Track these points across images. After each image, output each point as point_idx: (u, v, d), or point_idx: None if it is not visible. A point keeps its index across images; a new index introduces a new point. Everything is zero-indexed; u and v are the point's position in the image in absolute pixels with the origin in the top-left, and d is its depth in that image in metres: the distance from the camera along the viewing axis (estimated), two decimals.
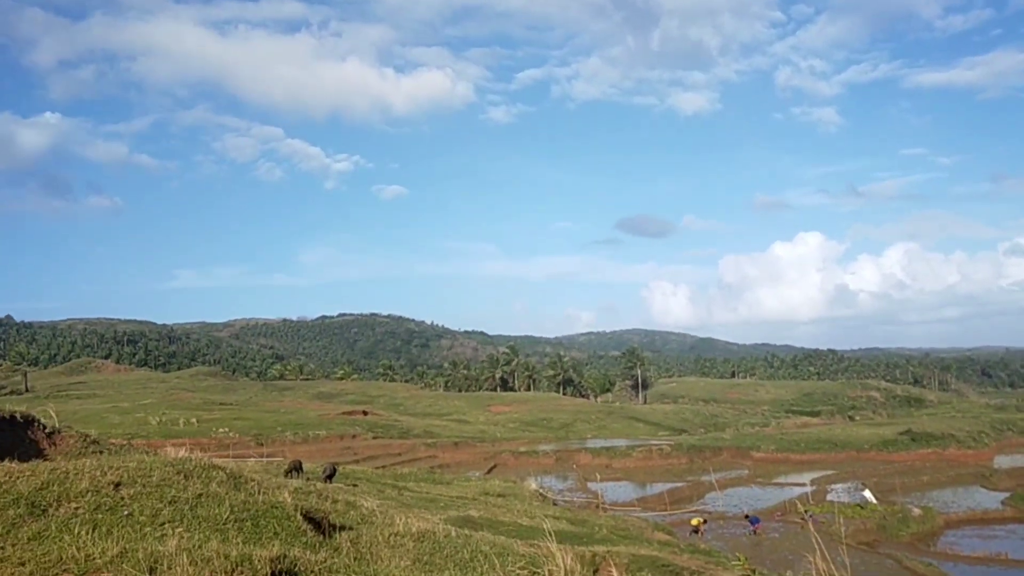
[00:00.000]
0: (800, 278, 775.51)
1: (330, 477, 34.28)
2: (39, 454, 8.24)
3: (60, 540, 5.02)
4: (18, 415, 8.50)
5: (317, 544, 6.06)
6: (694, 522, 40.45)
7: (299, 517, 6.33)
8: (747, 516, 42.32)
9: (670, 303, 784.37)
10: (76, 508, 5.55)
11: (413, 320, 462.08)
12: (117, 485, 6.08)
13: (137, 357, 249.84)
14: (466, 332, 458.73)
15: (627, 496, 52.34)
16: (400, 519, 8.13)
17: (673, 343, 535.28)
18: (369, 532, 7.49)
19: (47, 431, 8.75)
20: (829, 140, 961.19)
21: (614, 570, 21.82)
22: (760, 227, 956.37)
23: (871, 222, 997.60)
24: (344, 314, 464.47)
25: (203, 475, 6.99)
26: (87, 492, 5.84)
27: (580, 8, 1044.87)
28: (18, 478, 5.84)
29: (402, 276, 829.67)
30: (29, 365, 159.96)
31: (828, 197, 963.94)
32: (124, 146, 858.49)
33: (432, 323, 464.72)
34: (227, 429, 78.67)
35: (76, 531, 5.17)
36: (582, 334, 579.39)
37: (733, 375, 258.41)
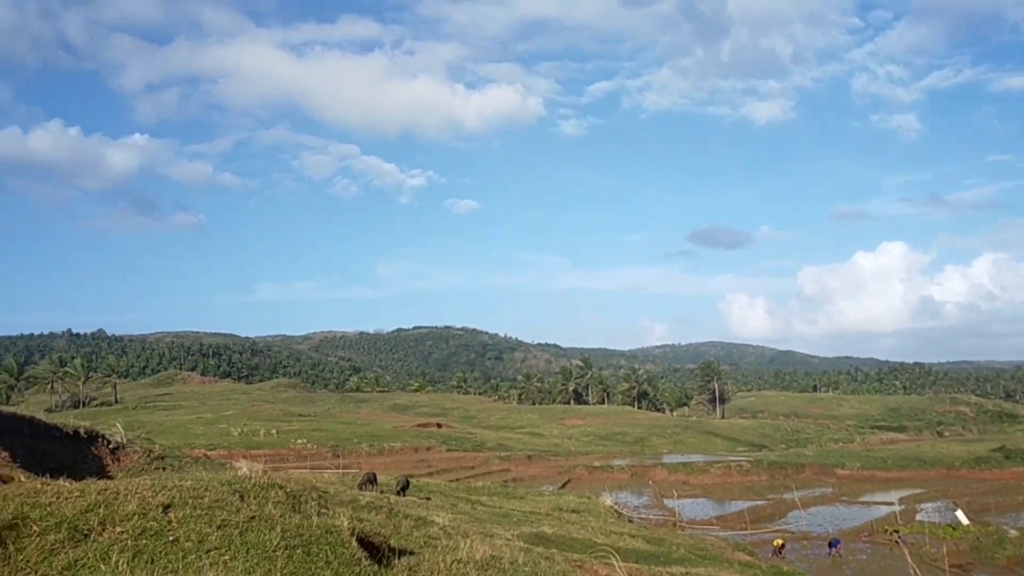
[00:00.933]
0: (883, 289, 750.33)
1: (403, 490, 34.19)
2: (101, 471, 8.12)
3: (96, 570, 4.79)
4: (82, 430, 8.42)
5: (372, 575, 5.70)
6: (776, 542, 39.02)
7: (354, 544, 5.99)
8: (829, 543, 40.63)
9: (747, 315, 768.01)
10: (120, 533, 5.33)
11: (487, 333, 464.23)
12: (167, 507, 5.85)
13: (221, 369, 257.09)
14: (539, 344, 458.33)
15: (705, 514, 50.91)
16: (464, 544, 7.73)
17: (751, 356, 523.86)
18: (431, 558, 7.11)
19: (111, 447, 8.65)
20: (910, 148, 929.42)
21: None
22: (839, 237, 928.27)
23: (957, 231, 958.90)
24: (419, 327, 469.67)
25: (260, 495, 6.73)
26: (134, 515, 5.62)
27: (649, 21, 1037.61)
28: (66, 499, 5.67)
29: (475, 289, 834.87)
30: (119, 377, 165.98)
31: (911, 206, 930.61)
32: (208, 165, 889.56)
33: (505, 336, 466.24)
34: (305, 440, 79.88)
35: (115, 560, 4.94)
36: (656, 347, 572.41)
37: (815, 389, 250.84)
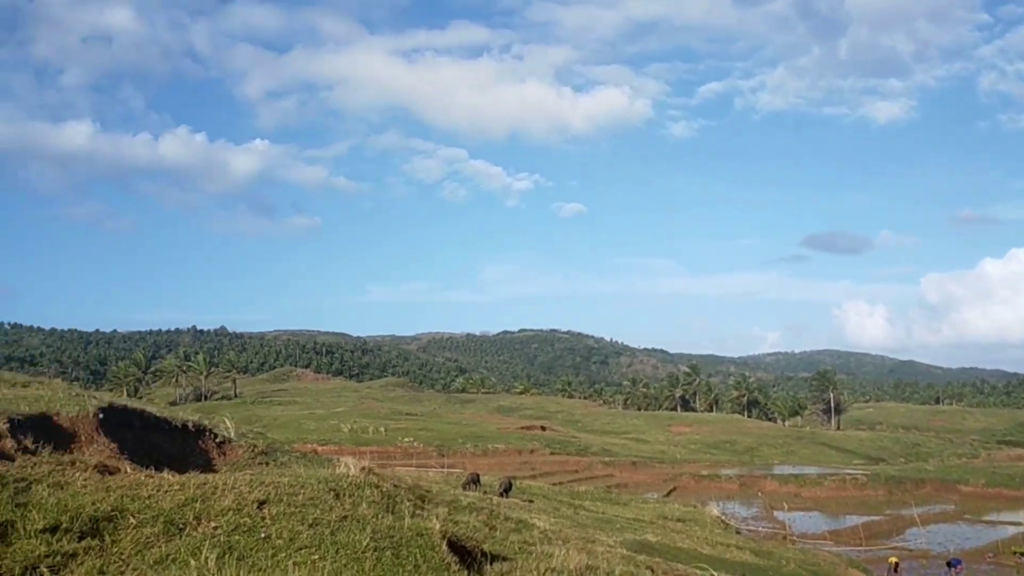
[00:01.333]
0: (1013, 297, 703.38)
1: (506, 491, 34.20)
2: (207, 464, 8.32)
3: (186, 567, 4.84)
4: (190, 424, 8.66)
5: None
6: (891, 560, 37.03)
7: (444, 548, 5.88)
8: (948, 563, 38.32)
9: (865, 323, 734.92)
10: (214, 528, 5.39)
11: (592, 337, 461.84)
12: (262, 503, 5.90)
13: (333, 367, 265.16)
14: (645, 350, 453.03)
15: (817, 528, 48.95)
16: (559, 552, 7.53)
17: (869, 366, 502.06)
18: (523, 565, 6.93)
19: (218, 441, 8.87)
20: None
21: None
22: (965, 243, 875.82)
23: None
24: (524, 330, 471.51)
25: (355, 494, 6.72)
26: (229, 511, 5.69)
27: (763, 20, 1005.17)
28: (165, 492, 5.79)
29: (581, 292, 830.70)
30: (239, 372, 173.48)
31: None
32: (324, 169, 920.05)
33: (611, 340, 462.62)
34: (412, 439, 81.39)
35: (205, 556, 4.97)
36: (768, 354, 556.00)
37: (937, 401, 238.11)
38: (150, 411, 8.26)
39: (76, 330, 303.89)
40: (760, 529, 45.84)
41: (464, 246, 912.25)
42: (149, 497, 5.65)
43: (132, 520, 5.19)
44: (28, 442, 6.44)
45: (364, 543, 5.52)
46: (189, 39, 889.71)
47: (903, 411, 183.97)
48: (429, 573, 5.42)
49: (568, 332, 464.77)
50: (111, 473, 6.30)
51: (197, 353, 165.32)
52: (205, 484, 6.05)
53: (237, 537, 5.30)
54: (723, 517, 43.70)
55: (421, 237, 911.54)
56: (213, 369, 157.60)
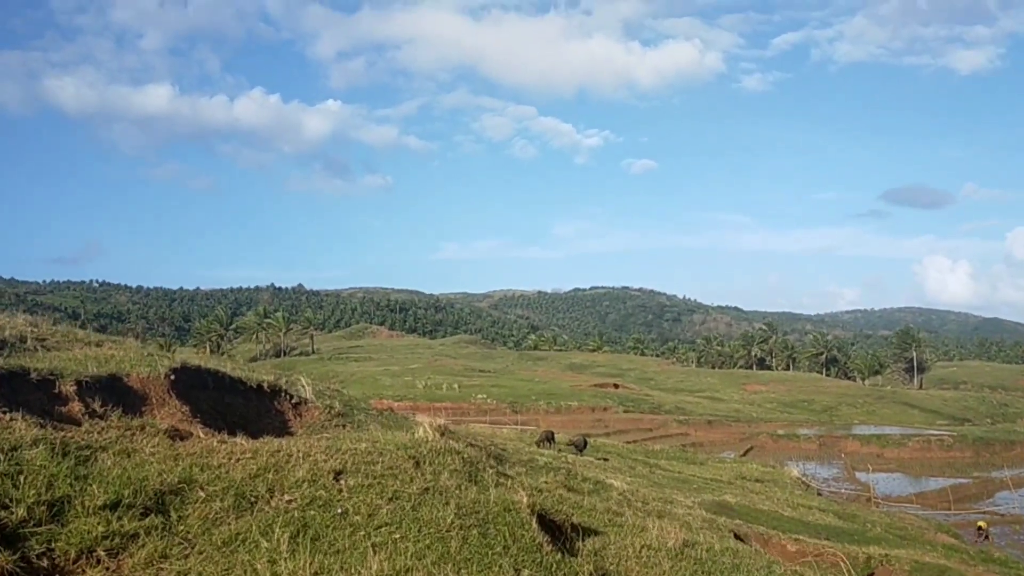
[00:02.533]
0: None
1: (581, 449, 33.96)
2: (282, 426, 8.03)
3: (256, 548, 4.43)
4: (266, 384, 8.37)
5: (553, 566, 5.08)
6: (981, 524, 35.50)
7: (535, 526, 5.40)
8: None
9: (947, 280, 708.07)
10: (288, 502, 5.00)
11: (664, 294, 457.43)
12: (338, 474, 5.50)
13: (407, 324, 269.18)
14: (719, 307, 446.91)
15: (902, 490, 47.38)
16: (654, 526, 7.00)
17: (952, 323, 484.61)
18: (617, 542, 6.42)
19: (293, 402, 8.56)
20: None
21: None
22: None
23: None
24: (596, 287, 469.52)
25: (435, 462, 6.28)
26: (303, 482, 5.29)
27: None
28: (237, 461, 5.43)
29: (653, 249, 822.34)
30: (316, 329, 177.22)
31: None
32: (394, 129, 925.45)
33: (684, 297, 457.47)
34: (485, 396, 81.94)
35: (277, 535, 4.57)
36: (846, 312, 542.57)
37: None
38: (224, 371, 7.98)
39: (161, 288, 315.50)
40: (842, 491, 44.62)
41: (534, 203, 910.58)
42: (219, 467, 5.30)
43: (201, 493, 4.84)
44: (96, 405, 6.19)
45: (448, 520, 5.07)
46: (262, 1, 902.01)
47: (989, 370, 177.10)
48: (520, 555, 4.96)
49: (640, 289, 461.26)
50: (182, 438, 5.99)
51: (276, 310, 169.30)
52: (279, 452, 5.68)
53: (312, 513, 4.89)
54: (803, 478, 42.65)
55: (491, 195, 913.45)
56: (292, 326, 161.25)
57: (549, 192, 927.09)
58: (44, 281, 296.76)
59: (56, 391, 6.13)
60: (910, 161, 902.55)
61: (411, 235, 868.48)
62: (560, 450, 32.65)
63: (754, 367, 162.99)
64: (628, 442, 54.22)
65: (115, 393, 6.57)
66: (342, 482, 5.39)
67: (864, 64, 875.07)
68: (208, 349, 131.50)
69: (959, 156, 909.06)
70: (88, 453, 5.03)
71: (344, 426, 8.34)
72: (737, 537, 19.11)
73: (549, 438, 35.29)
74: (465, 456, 6.82)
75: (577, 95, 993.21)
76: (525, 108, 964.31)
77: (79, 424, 5.75)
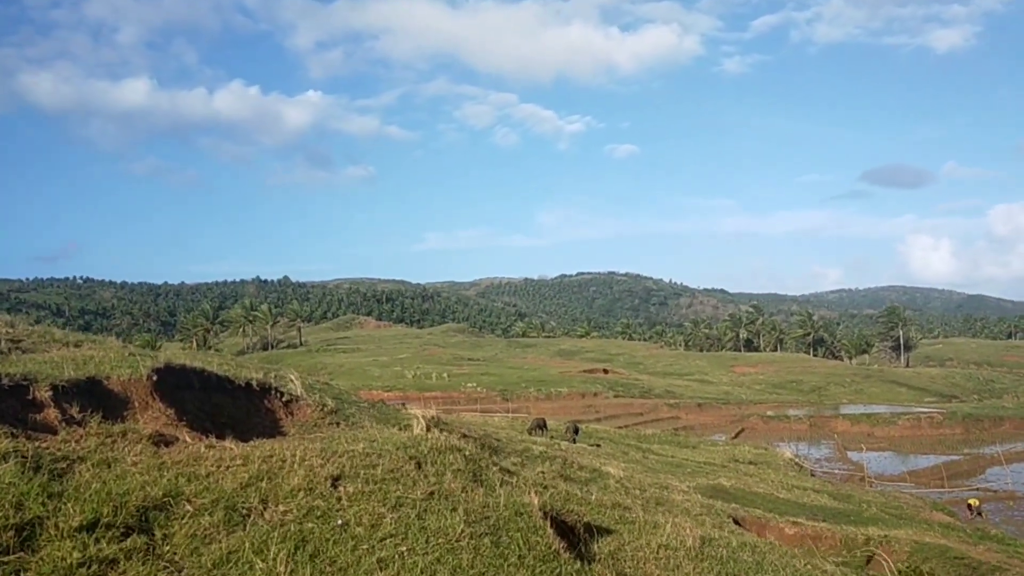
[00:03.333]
0: None
1: (574, 436, 33.77)
2: (274, 425, 7.65)
3: (250, 569, 3.99)
4: (255, 383, 7.98)
5: (573, 575, 4.73)
6: (972, 502, 35.50)
7: (549, 531, 5.05)
8: None
9: (930, 258, 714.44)
10: (283, 514, 4.60)
11: (651, 278, 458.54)
12: (336, 480, 5.11)
13: (395, 314, 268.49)
14: (705, 290, 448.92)
15: (894, 469, 47.44)
16: (668, 523, 6.67)
17: (936, 301, 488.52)
18: (632, 542, 6.09)
19: (284, 399, 8.18)
20: None
21: (890, 560, 18.96)
22: None
23: None
24: (583, 273, 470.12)
25: (437, 462, 5.91)
26: (299, 491, 4.89)
27: None
28: (227, 469, 5.02)
29: (639, 234, 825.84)
30: (303, 321, 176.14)
31: None
32: (376, 119, 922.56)
33: (670, 281, 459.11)
34: (475, 384, 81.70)
35: (273, 553, 4.15)
36: (831, 292, 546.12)
37: (1010, 336, 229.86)
38: (210, 370, 7.58)
39: (146, 283, 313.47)
40: (835, 471, 44.63)
41: (518, 191, 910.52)
42: (208, 476, 4.88)
43: (188, 507, 4.43)
44: (74, 411, 5.74)
45: (457, 528, 4.69)
46: None
47: (974, 347, 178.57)
48: (537, 565, 4.60)
49: (626, 274, 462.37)
50: (167, 444, 5.61)
51: (262, 303, 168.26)
52: (271, 457, 5.29)
53: (310, 525, 4.48)
54: (796, 459, 42.64)
55: (475, 183, 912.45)
56: (279, 318, 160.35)
57: (532, 179, 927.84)
58: (27, 279, 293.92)
59: (30, 397, 5.67)
60: (890, 141, 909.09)
61: (396, 225, 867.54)
62: (552, 437, 32.43)
63: (742, 349, 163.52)
64: (619, 427, 54.13)
65: (94, 397, 6.14)
66: (341, 489, 5.01)
67: (843, 45, 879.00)
68: (195, 344, 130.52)
69: (939, 135, 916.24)
70: (64, 466, 4.58)
71: (338, 424, 7.96)
72: (735, 522, 18.95)
73: (541, 425, 35.07)
74: (467, 454, 6.47)
75: (557, 81, 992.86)
76: (506, 95, 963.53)
77: (55, 432, 5.32)
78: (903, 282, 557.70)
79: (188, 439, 5.85)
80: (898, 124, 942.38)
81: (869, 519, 24.29)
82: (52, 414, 5.54)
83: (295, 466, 5.16)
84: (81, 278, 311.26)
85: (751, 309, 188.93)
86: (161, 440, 5.61)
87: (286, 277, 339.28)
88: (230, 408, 7.54)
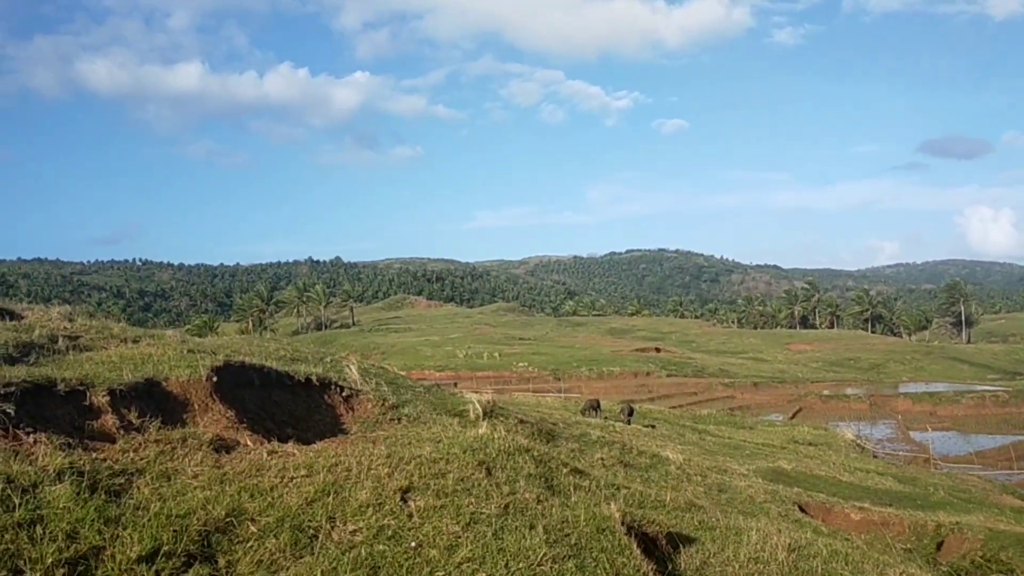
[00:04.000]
0: None
1: (629, 417, 33.28)
2: (334, 422, 7.42)
3: None
4: (315, 378, 7.75)
5: None
6: None
7: (635, 550, 4.69)
8: None
9: (990, 230, 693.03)
10: (352, 534, 4.28)
11: (702, 255, 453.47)
12: (405, 492, 4.80)
13: (445, 293, 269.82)
14: (758, 266, 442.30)
15: (959, 449, 46.01)
16: (755, 531, 6.26)
17: (997, 274, 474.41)
18: (717, 554, 5.70)
19: (344, 394, 7.94)
20: None
21: (962, 547, 18.20)
22: None
23: None
24: (632, 250, 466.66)
25: (508, 467, 5.58)
26: (367, 507, 4.58)
27: None
28: (291, 481, 4.74)
29: (689, 210, 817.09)
30: (355, 301, 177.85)
31: None
32: (422, 99, 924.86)
33: (722, 257, 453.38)
34: (526, 364, 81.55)
35: None
36: (888, 266, 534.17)
37: None
38: (270, 366, 7.38)
39: (203, 264, 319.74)
40: (899, 452, 43.47)
41: (566, 168, 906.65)
42: (272, 490, 4.60)
43: (252, 528, 4.14)
44: (133, 416, 5.54)
45: (538, 550, 4.33)
46: None
47: None
48: None
49: (676, 251, 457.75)
50: (228, 448, 5.37)
51: (315, 284, 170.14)
52: (336, 466, 5.00)
53: (381, 547, 4.15)
54: (858, 440, 41.61)
55: (522, 161, 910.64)
56: (331, 299, 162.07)
57: (580, 156, 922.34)
58: (88, 261, 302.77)
59: (87, 403, 5.51)
60: (948, 111, 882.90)
61: (444, 204, 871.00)
62: (606, 418, 32.04)
63: (797, 326, 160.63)
64: (673, 407, 53.52)
65: (153, 400, 5.94)
66: (411, 503, 4.70)
67: (898, 13, 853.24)
68: (250, 324, 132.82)
69: (997, 104, 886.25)
70: (123, 481, 4.33)
71: (399, 419, 7.69)
72: (800, 508, 18.42)
73: (595, 406, 34.67)
74: (536, 454, 6.14)
75: (604, 57, 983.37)
76: (552, 72, 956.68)
77: (113, 440, 5.12)
78: (962, 255, 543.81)
79: (249, 442, 5.61)
80: (956, 94, 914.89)
81: (937, 503, 23.46)
82: (110, 420, 5.34)
83: (362, 477, 4.86)
84: (140, 260, 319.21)
85: (806, 285, 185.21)
86: (222, 445, 5.39)
87: (338, 258, 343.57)
88: (290, 405, 7.31)
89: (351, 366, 10.04)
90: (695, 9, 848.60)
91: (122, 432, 5.21)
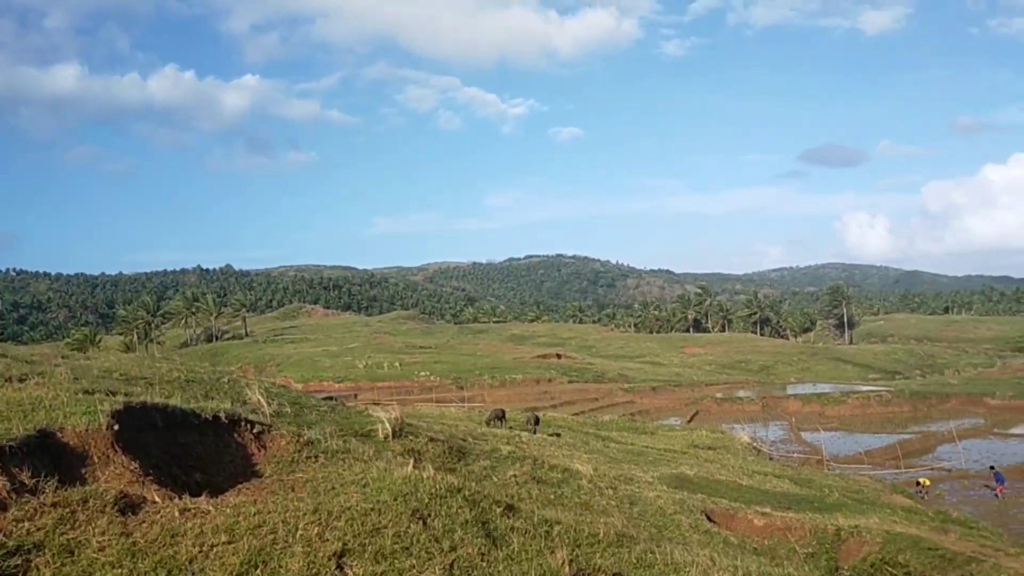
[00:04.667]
0: (1017, 202, 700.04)
1: (535, 426, 33.24)
2: (247, 463, 6.91)
3: None
4: (223, 415, 7.19)
5: None
6: (924, 481, 35.96)
7: None
8: (992, 467, 37.34)
9: (867, 235, 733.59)
10: None
11: (598, 260, 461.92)
12: (340, 556, 4.42)
13: (342, 301, 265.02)
14: (652, 271, 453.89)
15: (847, 449, 47.93)
16: (692, 564, 6.12)
17: (874, 277, 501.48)
18: None
19: (255, 431, 7.41)
20: None
21: (861, 551, 18.80)
22: (965, 150, 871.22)
23: None
24: (531, 256, 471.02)
25: (442, 513, 5.26)
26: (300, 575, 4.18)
27: None
28: (212, 550, 4.27)
29: (585, 216, 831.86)
30: (248, 311, 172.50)
31: None
32: (316, 103, 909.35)
33: (617, 263, 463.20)
34: (428, 373, 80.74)
35: None
36: (773, 270, 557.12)
37: (946, 311, 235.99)
38: (174, 405, 6.78)
39: (82, 274, 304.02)
40: (792, 453, 45.02)
41: (464, 175, 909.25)
42: (191, 562, 4.06)
43: None
44: (25, 476, 4.87)
45: None
46: None
47: (914, 322, 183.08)
48: None
49: (574, 256, 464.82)
50: (134, 508, 4.84)
51: (205, 294, 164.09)
52: (261, 528, 4.53)
53: None
54: (753, 443, 42.85)
55: (420, 168, 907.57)
56: (223, 309, 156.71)
57: (479, 163, 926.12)
58: None
59: None
60: (826, 121, 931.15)
61: (341, 211, 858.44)
62: (511, 428, 31.96)
63: (691, 330, 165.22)
64: (575, 414, 53.93)
65: (48, 455, 5.29)
66: (347, 571, 4.33)
67: (779, 27, 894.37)
68: (135, 337, 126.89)
69: (873, 114, 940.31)
70: (18, 562, 3.78)
71: (315, 457, 7.24)
72: (708, 518, 18.68)
73: (500, 416, 34.50)
74: (467, 494, 5.83)
75: (499, 65, 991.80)
76: (448, 79, 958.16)
77: (4, 507, 4.50)
78: (842, 259, 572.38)
79: (157, 498, 5.10)
80: (834, 104, 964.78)
81: (833, 505, 24.30)
82: (1, 484, 4.71)
83: (291, 542, 4.42)
84: (14, 270, 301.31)
85: (699, 290, 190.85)
86: (127, 503, 4.86)
87: (228, 265, 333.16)
88: (197, 447, 6.77)
89: (252, 387, 9.48)
90: (586, 20, 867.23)
91: (14, 496, 4.60)
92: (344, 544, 4.56)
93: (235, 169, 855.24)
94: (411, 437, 17.65)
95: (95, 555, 4.09)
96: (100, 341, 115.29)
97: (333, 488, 5.71)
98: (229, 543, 4.40)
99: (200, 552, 4.28)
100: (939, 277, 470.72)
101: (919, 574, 17.00)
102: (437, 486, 5.90)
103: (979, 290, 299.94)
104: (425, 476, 6.07)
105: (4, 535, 4.09)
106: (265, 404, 8.75)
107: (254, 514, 4.82)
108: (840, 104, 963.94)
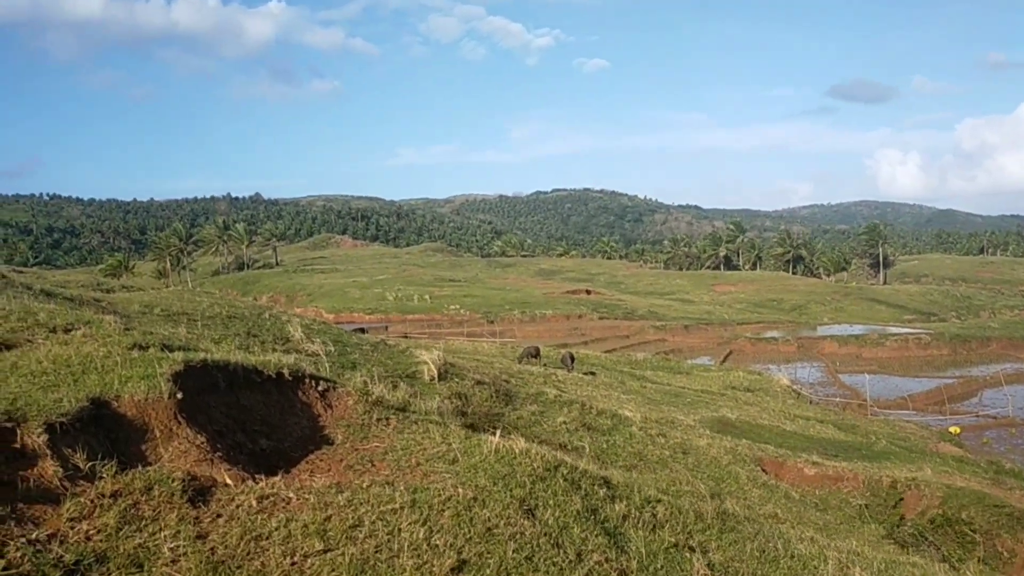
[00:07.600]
0: None
1: (570, 366, 32.71)
2: (314, 427, 6.25)
3: None
4: (286, 371, 6.51)
5: None
6: (954, 429, 35.08)
7: None
8: None
9: (897, 173, 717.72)
10: None
11: (626, 195, 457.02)
12: (458, 572, 3.68)
13: (369, 232, 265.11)
14: (679, 206, 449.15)
15: (887, 393, 46.88)
16: (830, 559, 5.41)
17: (907, 216, 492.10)
18: None
19: (320, 389, 6.73)
20: None
21: (923, 503, 18.05)
22: (999, 89, 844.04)
23: None
24: (557, 189, 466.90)
25: (551, 503, 4.52)
26: None
27: None
28: (304, 561, 3.53)
29: (612, 150, 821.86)
30: (278, 240, 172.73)
31: None
32: (339, 31, 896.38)
33: (645, 197, 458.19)
34: (458, 306, 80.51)
35: None
36: (803, 207, 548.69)
37: (982, 251, 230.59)
38: (236, 362, 6.08)
39: (114, 199, 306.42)
40: (833, 397, 44.21)
41: (489, 107, 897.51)
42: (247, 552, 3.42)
43: None
44: (79, 458, 4.14)
45: None
46: None
47: (949, 263, 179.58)
48: None
49: (601, 191, 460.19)
50: (205, 494, 4.17)
51: (236, 222, 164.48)
52: (357, 529, 3.79)
53: None
54: (794, 385, 42.06)
55: (444, 98, 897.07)
56: (253, 238, 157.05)
57: (503, 94, 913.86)
58: None
59: (17, 444, 4.10)
60: (857, 54, 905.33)
61: (366, 140, 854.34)
62: (545, 365, 31.49)
63: (721, 267, 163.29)
64: (608, 351, 53.45)
65: (103, 429, 4.57)
66: None
67: None
68: (168, 264, 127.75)
69: (907, 49, 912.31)
70: None
71: (387, 420, 6.55)
72: (761, 469, 18.04)
73: (534, 354, 34.04)
74: (573, 479, 5.13)
75: None
76: (472, 8, 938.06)
77: (56, 500, 3.79)
78: (872, 197, 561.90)
79: (229, 480, 4.42)
80: (864, 37, 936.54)
81: (881, 453, 23.57)
82: (50, 468, 3.95)
83: (396, 549, 3.68)
84: (48, 195, 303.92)
85: (731, 227, 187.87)
86: (197, 489, 4.18)
87: (258, 194, 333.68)
88: (262, 409, 6.09)
89: (294, 324, 8.80)
90: None
91: (67, 484, 3.90)
92: (459, 555, 3.82)
93: (260, 97, 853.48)
94: (456, 379, 17.06)
95: (169, 571, 3.37)
96: (134, 267, 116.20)
97: (419, 464, 5.01)
98: (325, 552, 3.66)
99: (293, 566, 3.56)
100: (973, 216, 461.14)
101: (985, 532, 16.25)
102: (534, 464, 5.20)
103: (1014, 230, 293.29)
104: (517, 450, 5.36)
105: (60, 542, 3.38)
106: (302, 335, 8.05)
107: (344, 506, 4.11)
108: (870, 37, 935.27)
